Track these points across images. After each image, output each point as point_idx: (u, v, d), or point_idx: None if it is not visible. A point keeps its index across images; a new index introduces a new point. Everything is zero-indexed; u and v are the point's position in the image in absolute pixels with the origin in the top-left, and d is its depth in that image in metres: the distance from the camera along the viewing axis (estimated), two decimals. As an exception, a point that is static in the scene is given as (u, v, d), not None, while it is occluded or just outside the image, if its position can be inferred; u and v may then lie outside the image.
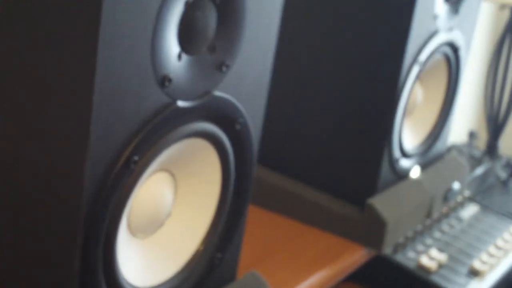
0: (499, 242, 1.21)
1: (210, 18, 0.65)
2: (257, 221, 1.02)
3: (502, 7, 1.59)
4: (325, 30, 1.02)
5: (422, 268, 1.08)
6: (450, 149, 1.57)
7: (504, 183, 1.51)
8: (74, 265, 0.60)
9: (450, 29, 1.06)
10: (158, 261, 0.71)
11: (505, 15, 1.62)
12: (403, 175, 1.08)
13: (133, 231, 0.68)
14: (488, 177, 1.50)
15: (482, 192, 1.43)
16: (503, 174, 1.53)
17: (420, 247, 1.13)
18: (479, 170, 1.49)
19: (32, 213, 0.62)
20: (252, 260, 0.91)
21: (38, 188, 0.61)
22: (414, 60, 0.99)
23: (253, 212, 1.03)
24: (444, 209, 1.24)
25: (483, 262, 1.13)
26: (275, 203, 1.08)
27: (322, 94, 1.04)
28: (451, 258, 1.13)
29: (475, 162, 1.54)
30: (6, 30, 0.60)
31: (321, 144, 1.05)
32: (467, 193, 1.34)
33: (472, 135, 1.67)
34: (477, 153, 1.61)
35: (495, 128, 1.67)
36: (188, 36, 0.63)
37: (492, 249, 1.18)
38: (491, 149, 1.65)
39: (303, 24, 1.03)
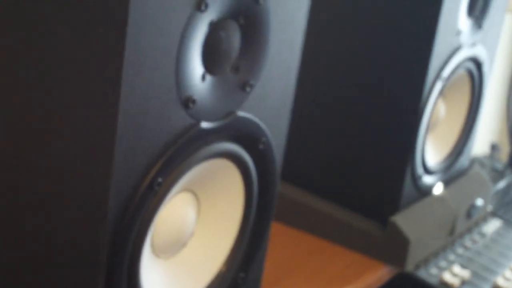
0: (523, 258, 1.20)
1: (234, 38, 0.65)
2: (279, 238, 1.02)
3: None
4: (349, 46, 1.02)
5: (445, 284, 1.07)
6: (472, 162, 1.56)
7: (527, 197, 1.50)
8: (99, 286, 0.60)
9: (474, 44, 1.05)
10: (181, 282, 0.70)
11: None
12: (426, 191, 1.07)
13: (156, 252, 0.68)
14: (511, 190, 1.49)
15: (505, 206, 1.41)
16: (525, 188, 1.52)
17: (442, 263, 1.12)
18: (502, 184, 1.48)
19: (58, 234, 0.62)
20: (274, 278, 0.91)
21: (64, 208, 0.61)
22: (437, 76, 0.98)
23: (275, 228, 1.03)
24: (467, 224, 1.23)
25: (507, 279, 1.12)
26: (297, 219, 1.07)
27: (345, 110, 1.03)
28: (474, 274, 1.12)
29: (497, 175, 1.53)
30: (29, 50, 0.60)
31: (344, 160, 1.05)
32: (489, 207, 1.33)
33: (494, 147, 1.65)
34: (499, 165, 1.59)
35: (517, 140, 1.65)
36: (212, 57, 0.63)
37: (515, 266, 1.17)
38: (513, 162, 1.64)
39: (326, 40, 1.03)
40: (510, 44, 1.90)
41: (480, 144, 1.80)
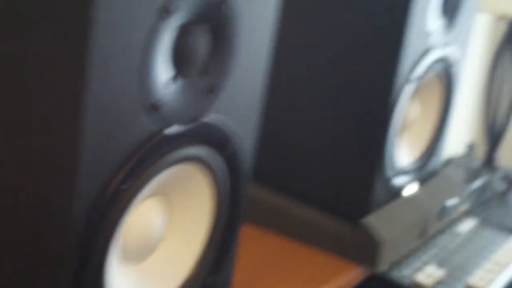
0: (497, 257, 1.21)
1: (202, 42, 0.65)
2: (251, 240, 1.02)
3: (499, 19, 1.60)
4: (318, 47, 1.02)
5: (417, 285, 1.07)
6: (448, 162, 1.57)
7: (503, 195, 1.51)
8: (65, 293, 0.60)
9: (445, 45, 1.05)
10: (151, 286, 0.70)
11: (503, 26, 1.62)
12: (397, 192, 1.08)
13: (125, 257, 0.68)
14: (486, 190, 1.50)
15: (481, 205, 1.42)
16: (501, 187, 1.53)
17: (416, 263, 1.12)
18: (477, 183, 1.48)
19: (24, 240, 0.62)
20: (246, 281, 0.91)
21: (30, 216, 0.61)
22: (408, 77, 0.98)
23: (247, 231, 1.03)
24: (442, 224, 1.23)
25: (481, 278, 1.13)
26: (269, 221, 1.08)
27: (315, 112, 1.04)
28: (448, 274, 1.12)
29: (473, 174, 1.54)
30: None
31: (315, 161, 1.05)
32: (464, 206, 1.33)
33: (470, 147, 1.66)
34: (476, 165, 1.60)
35: (493, 140, 1.67)
36: (180, 60, 0.63)
37: (489, 265, 1.18)
38: (490, 161, 1.65)
39: (296, 43, 1.03)
40: (485, 44, 1.91)
41: (457, 144, 1.81)
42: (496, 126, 1.67)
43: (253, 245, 1.01)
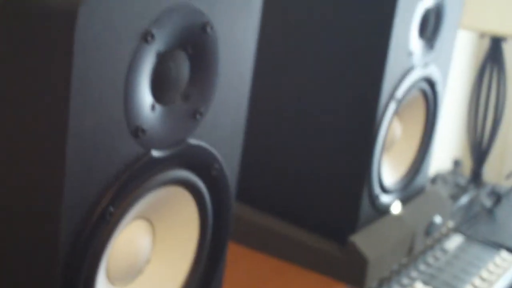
0: (484, 274, 1.21)
1: (183, 68, 0.65)
2: (238, 260, 1.02)
3: (482, 35, 1.61)
4: (302, 67, 1.03)
5: (406, 303, 1.08)
6: (434, 178, 1.58)
7: (490, 211, 1.52)
8: (52, 316, 0.60)
9: (426, 64, 1.07)
10: (138, 309, 0.71)
11: (486, 43, 1.64)
12: (384, 211, 1.09)
13: (112, 280, 0.68)
14: (473, 206, 1.50)
15: (468, 221, 1.43)
16: (488, 202, 1.54)
17: (404, 280, 1.13)
18: (464, 199, 1.49)
19: (9, 264, 0.62)
20: (234, 302, 0.92)
21: (15, 241, 0.61)
22: (391, 97, 1.00)
23: (234, 250, 1.03)
24: (429, 241, 1.24)
25: (468, 295, 1.13)
26: (256, 240, 1.08)
27: (300, 131, 1.04)
28: (436, 291, 1.13)
29: (460, 190, 1.55)
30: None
31: (301, 181, 1.06)
32: (451, 223, 1.34)
33: (456, 163, 1.67)
34: (462, 181, 1.61)
35: (479, 156, 1.68)
36: (161, 86, 0.63)
37: (477, 281, 1.18)
38: (476, 177, 1.66)
39: (279, 61, 1.04)
40: (469, 61, 1.93)
41: (443, 160, 1.83)
42: (482, 142, 1.68)
43: (241, 265, 1.01)
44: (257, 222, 1.08)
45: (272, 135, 1.07)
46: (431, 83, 1.10)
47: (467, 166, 1.76)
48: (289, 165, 1.06)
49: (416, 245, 1.15)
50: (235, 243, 1.06)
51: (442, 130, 1.78)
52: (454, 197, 1.48)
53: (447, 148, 1.92)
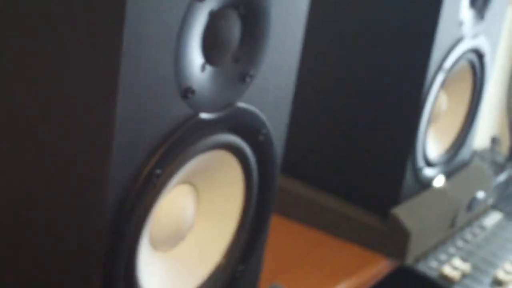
0: (523, 251, 1.20)
1: (234, 28, 0.64)
2: (279, 231, 1.01)
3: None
4: (350, 37, 1.01)
5: (444, 278, 1.07)
6: (472, 155, 1.56)
7: (527, 190, 1.50)
8: (96, 279, 0.60)
9: (476, 35, 1.04)
10: (180, 274, 0.70)
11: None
12: (427, 184, 1.07)
13: (155, 245, 0.67)
14: (511, 184, 1.48)
15: (505, 199, 1.41)
16: (526, 181, 1.52)
17: (442, 256, 1.11)
18: (502, 177, 1.47)
19: (54, 227, 0.62)
20: (274, 271, 0.91)
21: (61, 202, 0.61)
22: (439, 67, 0.97)
23: (275, 221, 1.03)
24: (468, 217, 1.22)
25: (507, 272, 1.12)
26: (297, 212, 1.07)
27: (345, 102, 1.03)
28: (474, 267, 1.11)
29: (498, 168, 1.52)
30: (26, 49, 0.60)
31: (344, 152, 1.04)
32: (490, 200, 1.32)
33: (494, 141, 1.65)
34: (500, 159, 1.59)
35: (518, 133, 1.65)
36: (211, 47, 0.62)
37: (516, 258, 1.17)
38: (514, 155, 1.64)
39: (328, 32, 1.02)
40: (510, 38, 1.90)
41: (481, 137, 1.80)
42: (522, 119, 1.65)
43: (280, 236, 1.01)
44: (299, 193, 1.07)
45: (317, 106, 1.05)
46: (480, 55, 1.08)
47: (505, 144, 1.74)
48: (332, 136, 1.05)
49: (459, 220, 1.13)
50: (276, 214, 1.05)
51: (482, 106, 1.76)
52: (492, 175, 1.46)
53: (485, 126, 1.90)
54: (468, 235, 1.20)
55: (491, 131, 1.90)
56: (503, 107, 1.83)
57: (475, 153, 1.55)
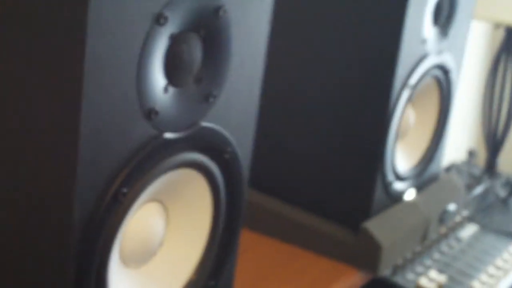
0: (499, 262, 1.21)
1: (196, 50, 0.66)
2: (251, 246, 1.02)
3: (497, 26, 1.61)
4: (315, 54, 1.03)
5: (420, 289, 1.08)
6: (449, 168, 1.58)
7: (504, 201, 1.51)
8: (66, 296, 0.61)
9: (440, 52, 1.06)
10: (151, 291, 0.71)
11: (501, 33, 1.64)
12: (397, 198, 1.09)
13: (125, 262, 0.68)
14: (488, 196, 1.50)
15: (482, 211, 1.43)
16: (502, 193, 1.53)
17: (419, 268, 1.13)
18: (479, 189, 1.49)
19: (24, 249, 0.63)
20: (246, 286, 0.92)
21: (29, 224, 0.62)
22: (404, 84, 0.99)
23: (247, 237, 1.04)
24: (443, 230, 1.24)
25: (483, 283, 1.13)
26: (269, 227, 1.08)
27: (313, 118, 1.05)
28: (451, 279, 1.13)
29: (475, 180, 1.54)
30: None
31: (314, 168, 1.06)
32: (466, 213, 1.34)
33: (471, 153, 1.67)
34: (477, 171, 1.61)
35: (494, 146, 1.67)
36: (174, 69, 0.64)
37: (491, 269, 1.18)
38: (491, 167, 1.65)
39: (292, 48, 1.04)
40: (484, 52, 1.92)
41: (458, 150, 1.82)
42: (497, 132, 1.68)
43: (253, 251, 1.02)
44: (269, 208, 1.08)
45: (285, 121, 1.07)
46: (445, 70, 1.10)
47: (482, 157, 1.75)
48: (302, 151, 1.06)
49: (430, 232, 1.15)
50: (248, 230, 1.06)
51: (457, 121, 1.78)
52: (469, 187, 1.48)
53: (462, 139, 1.92)
54: (444, 247, 1.21)
55: (468, 145, 1.92)
56: (479, 120, 1.86)
57: (452, 166, 1.57)
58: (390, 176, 1.04)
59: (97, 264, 0.62)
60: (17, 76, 0.59)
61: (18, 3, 0.58)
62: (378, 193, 1.03)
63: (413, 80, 1.01)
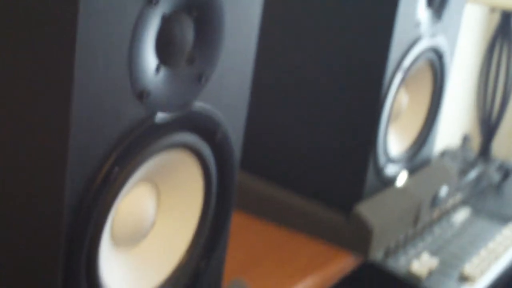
0: (491, 246, 1.22)
1: (188, 31, 0.66)
2: (244, 228, 1.03)
3: (493, 10, 1.60)
4: (308, 37, 1.03)
5: (412, 274, 1.08)
6: (443, 153, 1.58)
7: (497, 186, 1.52)
8: (57, 278, 0.61)
9: (434, 35, 1.06)
10: (142, 272, 0.71)
11: (496, 17, 1.63)
12: (389, 181, 1.09)
13: (116, 242, 0.69)
14: (481, 181, 1.51)
15: (475, 196, 1.43)
16: (496, 177, 1.54)
17: (411, 251, 1.13)
18: (472, 174, 1.49)
19: (14, 227, 0.63)
20: (238, 268, 0.92)
21: (19, 202, 0.62)
22: (398, 66, 0.99)
23: (239, 218, 1.04)
24: (436, 213, 1.24)
25: (474, 266, 1.14)
26: (262, 209, 1.09)
27: (306, 100, 1.05)
28: (443, 262, 1.13)
29: (469, 165, 1.55)
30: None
31: (307, 150, 1.06)
32: (459, 197, 1.34)
33: (465, 138, 1.67)
34: (471, 156, 1.61)
35: (488, 131, 1.68)
36: (166, 49, 0.64)
37: (483, 253, 1.19)
38: (485, 152, 1.66)
39: (285, 31, 1.04)
40: (480, 35, 1.92)
41: (452, 135, 1.82)
42: (491, 117, 1.68)
43: (245, 233, 1.02)
44: (261, 190, 1.09)
45: (277, 103, 1.07)
46: (438, 53, 1.10)
47: (476, 142, 1.76)
48: (295, 134, 1.06)
49: (422, 216, 1.15)
50: (240, 212, 1.06)
51: (451, 105, 1.78)
52: (463, 172, 1.48)
53: (456, 124, 1.92)
54: (437, 231, 1.22)
55: (462, 129, 1.93)
56: (474, 105, 1.86)
57: (446, 151, 1.58)
58: (382, 160, 1.04)
59: (87, 245, 0.62)
60: (8, 57, 0.59)
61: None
62: (370, 176, 1.03)
63: (406, 63, 1.01)
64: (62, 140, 0.57)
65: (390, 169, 1.08)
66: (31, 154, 0.60)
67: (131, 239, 0.70)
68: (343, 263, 1.01)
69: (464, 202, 1.36)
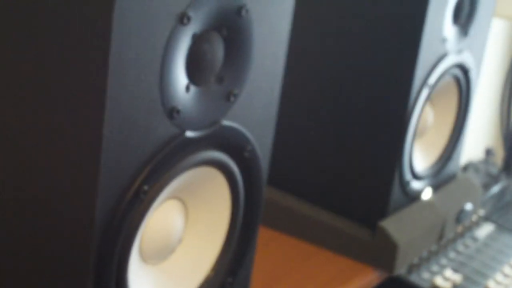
0: (515, 262, 1.21)
1: (218, 50, 0.66)
2: (269, 244, 1.03)
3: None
4: (335, 53, 1.03)
5: (436, 288, 1.08)
6: (466, 167, 1.58)
7: (521, 201, 1.51)
8: (87, 293, 0.61)
9: (460, 51, 1.06)
10: (170, 287, 0.72)
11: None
12: (414, 197, 1.09)
13: (144, 258, 0.69)
14: (505, 195, 1.50)
15: (499, 210, 1.42)
16: (520, 192, 1.53)
17: (434, 267, 1.13)
18: (495, 188, 1.49)
19: (44, 244, 0.64)
20: (264, 284, 0.92)
21: (51, 219, 0.63)
22: (424, 83, 0.99)
23: (265, 234, 1.04)
24: (459, 229, 1.24)
25: (498, 283, 1.13)
26: (287, 225, 1.09)
27: (334, 115, 1.05)
28: (466, 278, 1.13)
29: (492, 179, 1.54)
30: (16, 64, 0.62)
31: (332, 165, 1.06)
32: (482, 212, 1.34)
33: (488, 152, 1.67)
34: (494, 170, 1.60)
35: (511, 145, 1.67)
36: (196, 68, 0.64)
37: (507, 269, 1.18)
38: (508, 166, 1.65)
39: (313, 49, 1.05)
40: (502, 50, 1.91)
41: (475, 149, 1.81)
42: (515, 131, 1.67)
43: (271, 249, 1.02)
44: (287, 206, 1.09)
45: (303, 119, 1.07)
46: (464, 70, 1.10)
47: (499, 155, 1.75)
48: (321, 149, 1.06)
49: (447, 232, 1.15)
50: (265, 227, 1.06)
51: (475, 119, 1.77)
52: (486, 186, 1.48)
53: (479, 137, 1.91)
54: (460, 247, 1.22)
55: (486, 143, 1.92)
56: (497, 119, 1.85)
57: (469, 165, 1.57)
58: (408, 175, 1.04)
59: (117, 261, 0.63)
60: (43, 75, 0.60)
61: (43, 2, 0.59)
62: (395, 192, 1.03)
63: (432, 79, 1.01)
64: (94, 157, 0.58)
65: (415, 185, 1.08)
66: (63, 169, 0.61)
67: (159, 255, 0.71)
68: (368, 279, 1.01)
69: (487, 217, 1.35)
